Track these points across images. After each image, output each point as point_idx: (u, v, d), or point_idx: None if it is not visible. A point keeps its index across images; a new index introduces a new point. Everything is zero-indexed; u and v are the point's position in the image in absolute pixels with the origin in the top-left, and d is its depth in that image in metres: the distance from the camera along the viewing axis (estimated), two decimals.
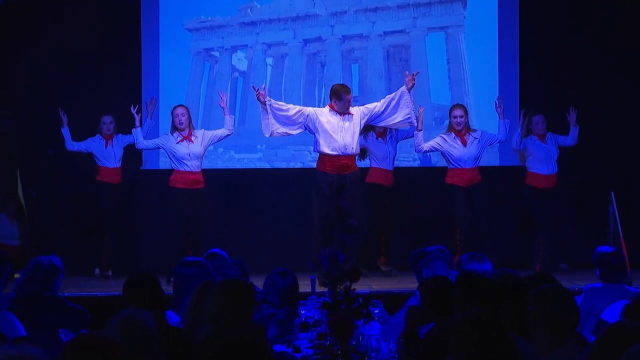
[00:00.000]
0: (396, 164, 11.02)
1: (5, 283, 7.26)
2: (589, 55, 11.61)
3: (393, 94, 10.03)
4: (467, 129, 10.56)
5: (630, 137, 11.62)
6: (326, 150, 9.95)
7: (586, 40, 11.60)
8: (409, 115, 9.98)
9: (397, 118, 10.02)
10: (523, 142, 10.75)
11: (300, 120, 9.93)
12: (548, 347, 4.17)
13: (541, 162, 10.76)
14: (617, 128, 11.55)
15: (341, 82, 11.60)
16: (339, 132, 9.91)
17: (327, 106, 10.02)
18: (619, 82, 11.57)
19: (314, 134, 9.99)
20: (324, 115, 9.94)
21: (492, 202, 11.26)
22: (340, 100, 9.90)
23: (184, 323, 5.46)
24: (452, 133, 10.53)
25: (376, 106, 10.03)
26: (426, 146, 10.54)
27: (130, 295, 5.27)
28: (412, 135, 10.64)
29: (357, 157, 10.18)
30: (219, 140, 10.72)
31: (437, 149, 10.61)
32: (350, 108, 9.98)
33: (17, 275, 7.65)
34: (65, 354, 3.40)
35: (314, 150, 10.19)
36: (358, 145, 10.05)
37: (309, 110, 10.03)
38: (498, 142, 10.70)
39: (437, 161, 11.72)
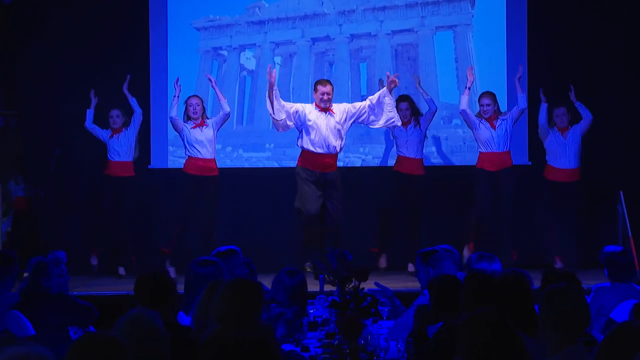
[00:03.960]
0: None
1: (13, 282, 7.29)
2: (597, 54, 11.59)
3: (376, 94, 10.10)
4: (496, 115, 10.65)
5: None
6: (311, 147, 10.04)
7: (595, 38, 11.58)
8: (393, 120, 10.12)
9: (380, 122, 10.14)
10: (548, 129, 10.77)
11: (294, 116, 10.02)
12: (557, 346, 4.17)
13: (557, 155, 10.78)
14: (627, 127, 11.51)
15: (349, 82, 11.66)
16: (325, 129, 10.00)
17: (313, 103, 10.12)
18: (629, 80, 11.54)
19: (300, 130, 10.08)
20: (311, 112, 10.05)
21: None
22: (315, 91, 10.07)
23: (194, 323, 5.45)
24: (482, 118, 10.65)
25: (362, 106, 10.13)
26: (465, 106, 10.61)
27: (139, 293, 5.27)
28: (431, 116, 10.92)
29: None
30: (223, 123, 10.80)
31: (468, 116, 10.62)
32: (335, 105, 10.07)
33: (26, 275, 7.68)
34: (71, 353, 3.41)
35: (297, 145, 10.23)
36: (342, 144, 10.15)
37: (297, 106, 10.12)
38: (521, 111, 10.69)
39: (446, 160, 11.72)
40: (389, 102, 10.04)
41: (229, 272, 7.09)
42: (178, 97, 10.58)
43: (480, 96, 10.74)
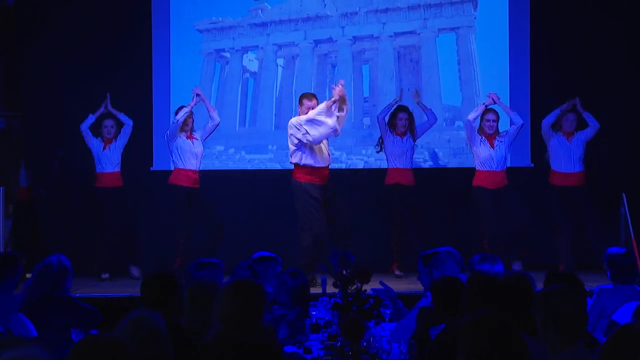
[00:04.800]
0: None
1: (16, 284, 7.29)
2: (600, 56, 11.58)
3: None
4: (496, 133, 10.68)
5: None
6: (314, 162, 10.01)
7: (597, 40, 11.57)
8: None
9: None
10: (550, 132, 10.76)
11: None
12: (557, 348, 4.16)
13: (561, 159, 10.75)
14: (628, 129, 11.50)
15: (351, 84, 11.66)
16: (323, 143, 10.00)
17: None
18: (630, 82, 11.53)
19: (299, 146, 9.98)
20: None
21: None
22: (300, 106, 10.07)
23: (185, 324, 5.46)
24: (482, 135, 10.64)
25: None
26: (472, 119, 10.65)
27: (144, 294, 5.29)
28: (429, 127, 10.91)
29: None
30: (210, 133, 10.84)
31: (472, 127, 10.63)
32: None
33: (28, 275, 7.68)
34: (73, 354, 3.41)
35: (297, 162, 10.05)
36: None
37: None
38: (519, 128, 10.71)
39: (448, 162, 11.72)
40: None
41: (263, 277, 7.10)
42: (193, 106, 10.59)
43: (486, 112, 10.72)
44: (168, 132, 10.72)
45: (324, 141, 10.03)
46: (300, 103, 10.09)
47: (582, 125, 10.78)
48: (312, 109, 9.93)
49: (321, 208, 10.04)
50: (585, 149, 10.77)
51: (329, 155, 10.14)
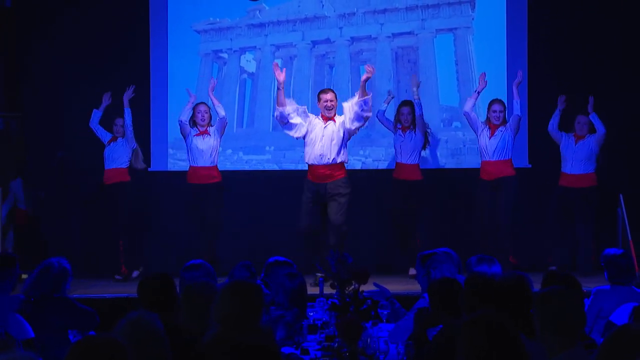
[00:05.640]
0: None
1: (13, 285, 7.29)
2: (596, 57, 11.58)
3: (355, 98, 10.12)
4: (503, 122, 10.65)
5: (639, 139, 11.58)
6: (307, 159, 10.17)
7: (594, 41, 11.57)
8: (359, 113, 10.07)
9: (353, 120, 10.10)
10: (561, 134, 10.77)
11: (301, 114, 10.07)
12: (555, 349, 4.17)
13: (565, 161, 10.83)
14: (625, 130, 11.50)
15: (349, 84, 11.65)
16: (319, 140, 10.05)
17: (319, 115, 10.19)
18: (628, 84, 11.53)
19: (304, 140, 10.15)
20: (314, 123, 10.10)
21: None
22: (319, 101, 10.11)
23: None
24: (487, 125, 10.64)
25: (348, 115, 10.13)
26: (469, 108, 10.61)
27: (142, 296, 5.30)
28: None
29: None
30: (224, 128, 10.79)
31: (472, 119, 10.63)
32: (338, 116, 10.10)
33: (24, 276, 7.68)
34: (71, 355, 3.41)
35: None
36: (342, 154, 10.10)
37: (309, 114, 10.18)
38: (518, 119, 10.63)
39: (446, 163, 11.72)
40: (355, 101, 10.06)
41: (275, 281, 7.10)
42: (193, 103, 10.62)
43: (492, 102, 10.71)
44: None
45: (324, 139, 10.04)
46: (318, 98, 10.13)
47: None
48: (329, 102, 10.00)
49: (307, 202, 10.13)
50: (595, 151, 10.75)
51: (326, 155, 10.06)
